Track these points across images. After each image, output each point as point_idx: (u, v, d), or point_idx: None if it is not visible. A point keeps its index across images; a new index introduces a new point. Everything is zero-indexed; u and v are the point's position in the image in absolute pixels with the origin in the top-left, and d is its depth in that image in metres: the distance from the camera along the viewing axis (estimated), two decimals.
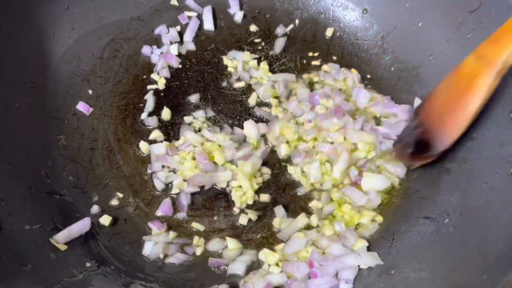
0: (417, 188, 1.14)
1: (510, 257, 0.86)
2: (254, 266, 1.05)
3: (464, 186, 1.06)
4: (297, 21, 1.42)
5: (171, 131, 1.23)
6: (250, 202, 1.12)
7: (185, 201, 1.12)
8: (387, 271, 1.02)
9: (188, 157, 1.15)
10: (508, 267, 0.84)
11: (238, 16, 1.41)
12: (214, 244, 1.07)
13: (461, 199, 1.05)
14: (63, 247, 0.99)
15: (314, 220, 1.10)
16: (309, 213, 1.12)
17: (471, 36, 1.15)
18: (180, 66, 1.34)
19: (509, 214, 0.93)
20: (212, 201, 1.14)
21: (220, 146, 1.17)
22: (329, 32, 1.40)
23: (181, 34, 1.39)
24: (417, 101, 1.25)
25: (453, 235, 1.00)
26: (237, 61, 1.33)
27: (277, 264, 1.04)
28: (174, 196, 1.14)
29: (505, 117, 1.04)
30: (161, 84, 1.29)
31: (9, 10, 1.12)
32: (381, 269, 1.03)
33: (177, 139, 1.21)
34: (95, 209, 1.09)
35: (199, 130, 1.21)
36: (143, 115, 1.24)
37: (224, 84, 1.32)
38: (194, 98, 1.28)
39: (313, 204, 1.13)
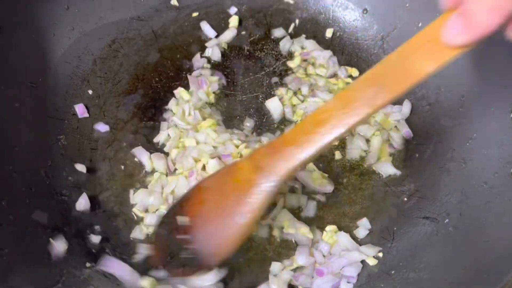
0: (417, 188, 1.15)
1: (510, 257, 0.86)
2: None
3: (464, 186, 1.06)
4: (297, 21, 1.42)
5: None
6: None
7: None
8: (387, 271, 1.02)
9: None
10: (509, 267, 0.84)
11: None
12: None
13: (461, 199, 1.05)
14: (63, 249, 0.99)
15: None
16: None
17: None
18: None
19: (509, 214, 0.93)
20: None
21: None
22: (328, 32, 1.40)
23: None
24: (406, 104, 1.25)
25: (453, 235, 1.00)
26: None
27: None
28: None
29: (505, 117, 1.04)
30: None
31: (9, 10, 1.12)
32: (381, 269, 1.03)
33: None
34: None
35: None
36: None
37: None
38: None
39: None
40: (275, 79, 1.32)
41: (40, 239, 0.98)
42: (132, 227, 1.09)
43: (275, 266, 1.04)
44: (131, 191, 1.13)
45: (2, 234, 0.92)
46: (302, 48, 1.37)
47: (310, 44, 1.37)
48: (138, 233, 1.08)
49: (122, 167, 1.17)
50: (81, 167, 1.13)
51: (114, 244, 1.07)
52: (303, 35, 1.39)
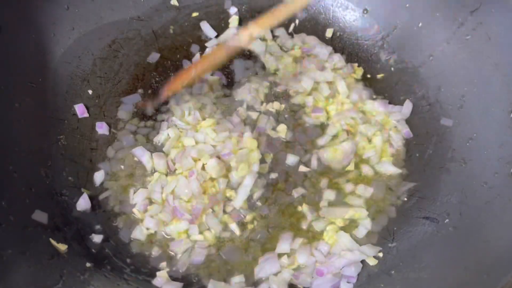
0: (417, 188, 1.15)
1: (510, 257, 0.86)
2: None
3: (464, 186, 1.06)
4: (297, 21, 1.42)
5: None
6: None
7: None
8: (387, 271, 1.02)
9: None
10: (509, 267, 0.84)
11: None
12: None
13: (461, 199, 1.05)
14: (63, 247, 0.99)
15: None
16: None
17: (471, 37, 1.15)
18: None
19: (509, 214, 0.94)
20: None
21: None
22: (329, 33, 1.40)
23: None
24: (407, 104, 1.25)
25: (453, 235, 1.00)
26: None
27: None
28: None
29: (505, 117, 1.04)
30: None
31: (9, 10, 1.12)
32: (381, 269, 1.03)
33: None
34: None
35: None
36: None
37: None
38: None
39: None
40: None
41: (40, 239, 0.98)
42: (132, 227, 1.09)
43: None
44: (131, 191, 1.13)
45: (3, 234, 0.92)
46: (303, 43, 1.37)
47: (312, 40, 1.37)
48: (138, 233, 1.08)
49: (122, 167, 1.17)
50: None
51: (114, 244, 1.07)
52: (304, 34, 1.39)
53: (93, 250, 1.04)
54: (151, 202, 1.12)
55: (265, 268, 1.03)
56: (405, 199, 1.14)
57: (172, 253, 1.07)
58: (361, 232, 1.09)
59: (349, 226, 1.10)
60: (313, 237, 1.09)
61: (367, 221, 1.10)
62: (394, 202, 1.14)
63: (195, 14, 1.42)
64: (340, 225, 1.10)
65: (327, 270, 1.02)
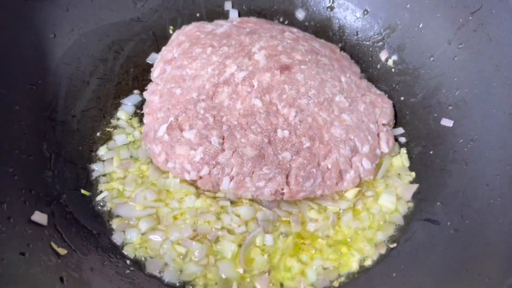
0: (418, 190, 1.14)
1: None
2: None
3: (465, 188, 1.06)
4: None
5: None
6: None
7: None
8: (388, 274, 1.02)
9: None
10: (511, 270, 0.83)
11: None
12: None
13: (462, 201, 1.05)
14: (63, 251, 0.99)
15: None
16: None
17: (472, 38, 1.15)
18: None
19: (511, 216, 0.93)
20: None
21: None
22: (329, 34, 1.40)
23: None
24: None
25: (455, 238, 1.00)
26: None
27: None
28: None
29: (506, 119, 1.04)
30: None
31: (9, 11, 1.12)
32: (383, 271, 1.03)
33: None
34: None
35: None
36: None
37: None
38: None
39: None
40: None
41: (40, 241, 0.98)
42: (126, 230, 1.08)
43: None
44: (126, 193, 1.13)
45: (3, 236, 0.92)
46: None
47: None
48: (131, 236, 1.07)
49: (122, 167, 1.17)
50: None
51: (113, 244, 1.07)
52: None
53: (93, 251, 1.04)
54: (144, 206, 1.11)
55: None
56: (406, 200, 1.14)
57: (167, 260, 1.05)
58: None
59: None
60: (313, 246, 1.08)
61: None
62: (403, 210, 1.13)
63: (195, 15, 1.42)
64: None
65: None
